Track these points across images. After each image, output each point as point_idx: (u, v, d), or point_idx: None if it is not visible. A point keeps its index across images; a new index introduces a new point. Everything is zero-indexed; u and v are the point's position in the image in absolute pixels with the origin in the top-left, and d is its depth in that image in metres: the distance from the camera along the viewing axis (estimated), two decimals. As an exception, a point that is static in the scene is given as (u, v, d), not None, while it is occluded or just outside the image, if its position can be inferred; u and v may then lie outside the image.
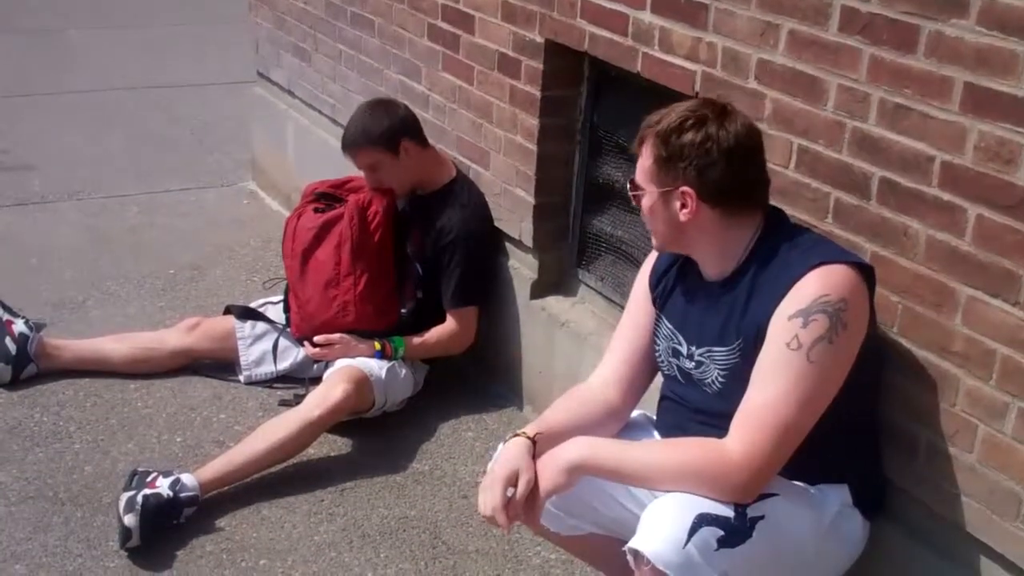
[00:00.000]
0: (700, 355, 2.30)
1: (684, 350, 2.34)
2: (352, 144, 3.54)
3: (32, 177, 5.50)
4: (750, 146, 2.20)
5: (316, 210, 3.61)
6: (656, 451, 2.22)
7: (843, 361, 2.11)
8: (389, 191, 3.56)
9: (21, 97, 6.78)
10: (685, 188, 2.18)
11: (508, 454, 2.26)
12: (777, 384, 2.08)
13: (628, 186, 2.30)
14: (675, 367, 2.38)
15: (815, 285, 2.09)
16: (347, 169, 3.77)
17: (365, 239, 3.48)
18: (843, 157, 2.39)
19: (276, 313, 3.76)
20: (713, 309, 2.27)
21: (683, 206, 2.20)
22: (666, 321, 2.39)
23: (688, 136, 2.16)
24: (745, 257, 2.23)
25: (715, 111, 2.19)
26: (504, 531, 2.25)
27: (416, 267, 3.62)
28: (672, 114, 2.20)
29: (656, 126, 2.20)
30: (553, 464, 2.20)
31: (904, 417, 2.34)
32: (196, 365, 3.79)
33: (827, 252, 2.17)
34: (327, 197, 3.65)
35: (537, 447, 2.27)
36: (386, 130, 3.51)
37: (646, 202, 2.26)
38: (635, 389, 2.46)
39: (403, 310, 3.60)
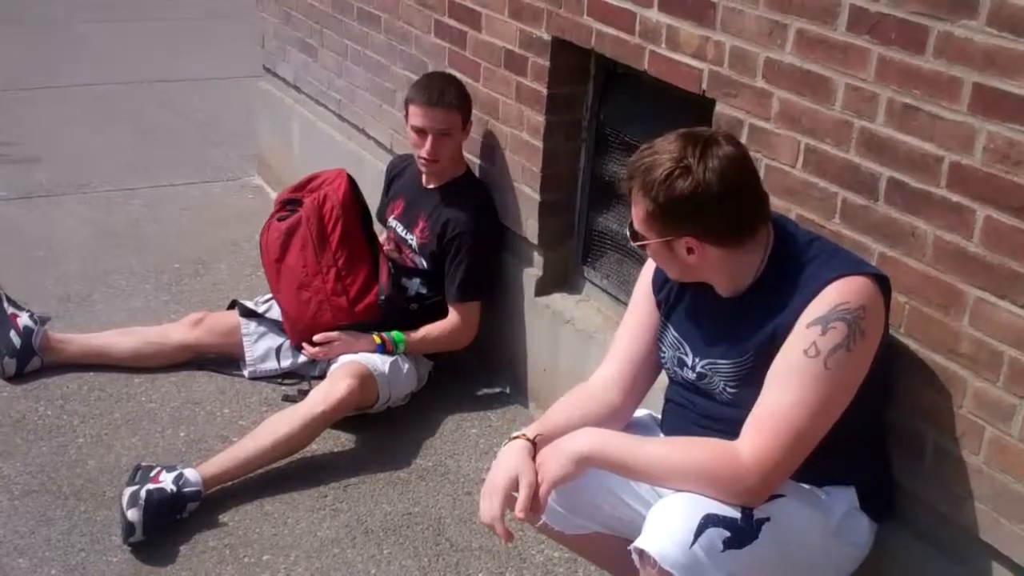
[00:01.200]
0: (703, 367, 2.29)
1: (689, 361, 2.33)
2: (450, 103, 3.50)
3: (37, 170, 5.50)
4: (741, 179, 2.14)
5: (280, 218, 3.61)
6: (666, 448, 2.20)
7: (859, 369, 2.11)
8: (341, 178, 3.56)
9: (26, 90, 6.78)
10: (687, 237, 2.16)
11: (507, 458, 2.25)
12: (793, 390, 2.07)
13: (628, 231, 2.26)
14: (680, 376, 2.37)
15: (834, 294, 2.09)
16: (351, 166, 3.76)
17: (323, 237, 3.49)
18: (851, 157, 2.38)
19: (277, 312, 3.74)
20: (723, 323, 2.26)
21: (689, 251, 2.18)
22: (672, 330, 2.37)
23: (678, 187, 2.09)
24: (759, 275, 2.21)
25: (696, 151, 2.10)
26: (504, 540, 2.25)
27: (420, 260, 3.62)
28: (657, 166, 2.11)
29: (643, 177, 2.13)
30: (559, 454, 2.20)
31: (911, 419, 2.33)
32: (200, 360, 3.79)
33: (843, 265, 2.15)
34: (289, 203, 3.65)
35: (537, 448, 2.26)
36: (469, 104, 3.57)
37: (650, 248, 2.24)
38: (637, 390, 2.45)
39: (382, 297, 3.54)
